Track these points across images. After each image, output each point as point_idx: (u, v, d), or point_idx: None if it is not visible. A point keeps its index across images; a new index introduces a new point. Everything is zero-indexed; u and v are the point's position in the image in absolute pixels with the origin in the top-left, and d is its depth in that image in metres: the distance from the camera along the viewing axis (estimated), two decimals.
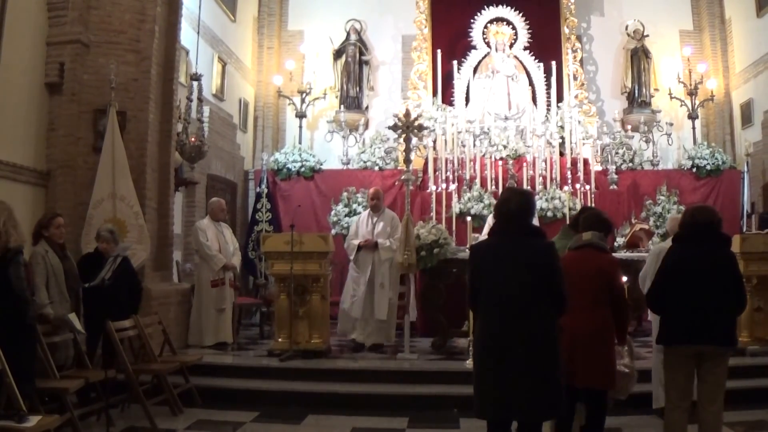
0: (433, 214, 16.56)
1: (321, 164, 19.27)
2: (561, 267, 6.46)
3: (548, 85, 19.49)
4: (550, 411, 6.37)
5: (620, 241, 15.51)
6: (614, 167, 18.39)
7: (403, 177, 13.52)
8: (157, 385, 10.17)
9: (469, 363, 11.43)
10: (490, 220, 14.56)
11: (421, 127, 13.66)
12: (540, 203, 16.82)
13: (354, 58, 20.57)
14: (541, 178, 17.92)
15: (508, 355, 6.20)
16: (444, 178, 17.74)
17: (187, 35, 14.78)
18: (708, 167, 18.42)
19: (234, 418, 9.85)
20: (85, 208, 11.68)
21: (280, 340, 12.63)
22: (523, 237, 6.42)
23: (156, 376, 10.21)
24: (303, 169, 19.00)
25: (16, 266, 7.81)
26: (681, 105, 20.07)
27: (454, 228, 15.98)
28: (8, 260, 7.68)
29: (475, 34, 20.30)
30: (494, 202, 16.43)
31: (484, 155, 18.43)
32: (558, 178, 17.97)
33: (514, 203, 6.51)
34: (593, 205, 16.54)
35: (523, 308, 6.24)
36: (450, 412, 10.20)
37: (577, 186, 17.20)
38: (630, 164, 18.84)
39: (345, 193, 18.13)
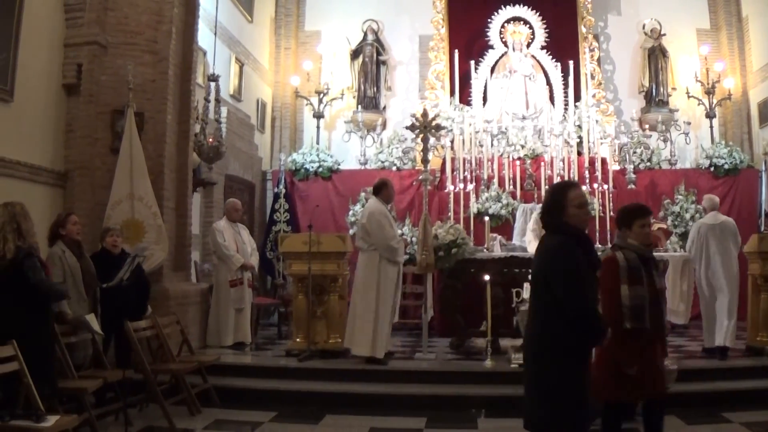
0: (451, 214, 16.56)
1: (339, 164, 19.29)
2: (562, 269, 5.98)
3: (566, 85, 19.39)
4: (552, 425, 5.99)
5: None
6: (632, 166, 18.37)
7: (420, 177, 13.53)
8: (175, 384, 10.19)
9: (487, 363, 11.46)
10: (536, 215, 14.49)
11: (438, 127, 13.64)
12: None
13: (371, 59, 20.57)
14: (558, 177, 17.86)
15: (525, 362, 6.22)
16: (462, 178, 17.76)
17: (204, 36, 14.82)
18: (726, 166, 18.35)
19: (252, 418, 9.86)
20: (102, 209, 11.70)
21: (298, 340, 12.68)
22: (547, 236, 6.33)
23: (174, 375, 10.22)
24: (321, 170, 19.03)
25: (31, 261, 7.81)
26: (698, 104, 19.98)
27: (471, 228, 15.99)
28: (20, 261, 7.68)
29: (492, 33, 20.27)
30: (512, 201, 16.53)
31: (501, 155, 18.43)
32: (576, 178, 17.90)
33: (544, 199, 6.47)
34: (611, 205, 16.55)
35: (531, 312, 6.21)
36: (468, 412, 10.20)
37: (595, 185, 17.13)
38: (648, 163, 18.80)
39: (363, 194, 18.06)
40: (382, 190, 12.62)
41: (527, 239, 14.37)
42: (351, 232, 16.94)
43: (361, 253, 12.46)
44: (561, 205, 6.05)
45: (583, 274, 5.88)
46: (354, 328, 12.18)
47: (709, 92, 19.72)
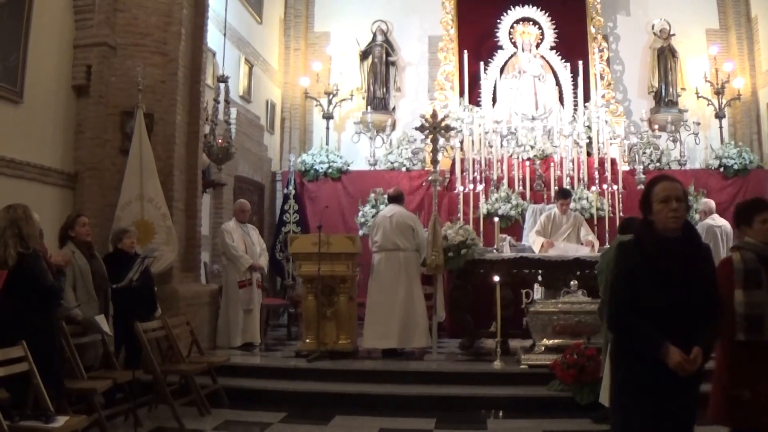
0: (461, 214, 16.53)
1: (348, 165, 19.28)
2: (610, 272, 5.76)
3: (575, 85, 19.34)
4: None
5: None
6: (642, 167, 18.27)
7: (430, 178, 13.56)
8: (185, 385, 10.19)
9: (496, 364, 11.45)
10: (543, 219, 14.55)
11: (448, 128, 13.66)
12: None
13: (380, 59, 20.57)
14: (568, 178, 17.87)
15: None
16: (471, 178, 17.75)
17: (213, 37, 14.83)
18: (735, 167, 18.25)
19: (261, 419, 9.86)
20: (112, 210, 11.70)
21: (307, 341, 12.69)
22: None
23: (184, 376, 10.23)
24: (330, 170, 19.04)
25: (36, 261, 7.78)
26: (708, 104, 19.92)
27: (481, 229, 15.97)
28: (25, 264, 7.64)
29: (502, 34, 20.23)
30: (521, 202, 16.52)
31: (511, 155, 18.40)
32: (585, 179, 17.91)
33: None
34: (621, 205, 16.56)
35: None
36: (478, 413, 10.20)
37: (605, 186, 17.11)
38: (657, 164, 18.68)
39: (372, 194, 18.11)
40: (402, 198, 13.61)
41: (530, 240, 14.38)
42: (360, 233, 17.00)
43: (402, 254, 13.10)
44: (647, 201, 5.36)
45: (629, 281, 5.15)
46: (409, 325, 12.83)
47: (719, 92, 19.66)
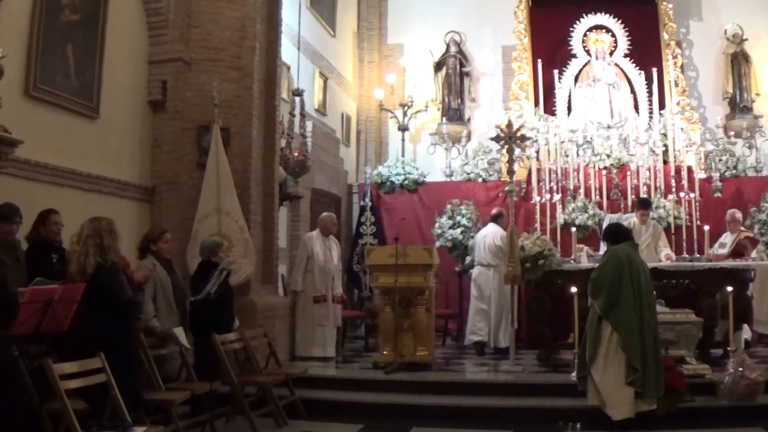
0: (538, 225, 16.42)
1: (424, 177, 19.27)
2: None
3: (650, 93, 19.15)
4: None
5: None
6: (718, 174, 18.03)
7: (506, 188, 13.48)
8: (262, 397, 10.24)
9: (574, 375, 11.38)
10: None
11: (523, 138, 13.62)
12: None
13: (454, 70, 20.57)
14: (645, 187, 17.67)
15: None
16: (548, 188, 17.63)
17: (287, 51, 14.92)
18: None
19: (338, 431, 9.93)
20: (190, 223, 11.85)
21: (385, 352, 12.68)
22: None
23: (261, 388, 10.27)
24: (406, 182, 19.03)
25: (114, 274, 7.87)
26: None
27: (558, 239, 15.82)
28: (103, 276, 7.73)
29: (575, 42, 20.14)
30: (598, 212, 16.46)
31: (587, 165, 18.25)
32: (662, 187, 17.71)
33: None
34: (698, 213, 16.39)
35: None
36: (555, 425, 10.15)
37: (682, 194, 16.89)
38: (734, 171, 18.39)
39: (449, 206, 17.93)
40: (499, 217, 14.87)
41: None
42: (437, 244, 16.90)
43: (494, 270, 14.49)
44: None
45: None
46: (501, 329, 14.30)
47: None
